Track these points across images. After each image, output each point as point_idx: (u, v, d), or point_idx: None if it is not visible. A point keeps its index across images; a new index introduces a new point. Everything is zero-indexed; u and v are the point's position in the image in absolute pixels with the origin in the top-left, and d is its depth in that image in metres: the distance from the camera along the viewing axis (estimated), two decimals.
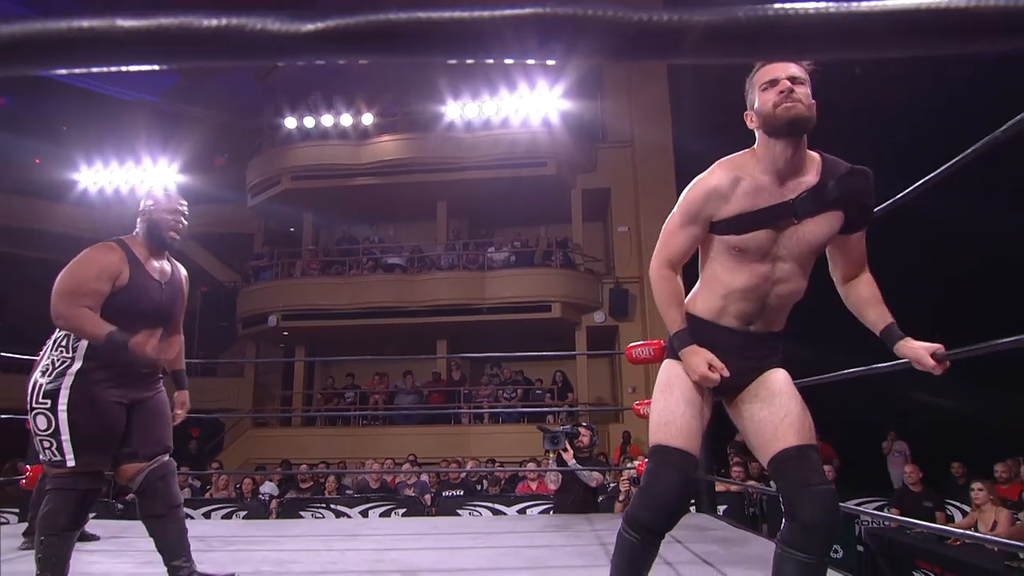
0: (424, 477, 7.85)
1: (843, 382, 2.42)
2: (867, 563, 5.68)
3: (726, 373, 1.68)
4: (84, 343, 2.31)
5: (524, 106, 12.40)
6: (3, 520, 3.92)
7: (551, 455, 4.74)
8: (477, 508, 6.33)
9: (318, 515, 6.54)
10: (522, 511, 6.17)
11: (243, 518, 6.44)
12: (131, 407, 2.37)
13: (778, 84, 1.59)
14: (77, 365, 2.29)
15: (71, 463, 2.24)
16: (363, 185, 13.00)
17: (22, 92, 14.30)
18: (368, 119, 13.07)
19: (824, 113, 1.65)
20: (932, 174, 1.89)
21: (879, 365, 2.05)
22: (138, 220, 2.51)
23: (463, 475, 7.49)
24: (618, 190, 12.64)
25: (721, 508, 4.55)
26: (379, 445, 10.76)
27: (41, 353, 3.77)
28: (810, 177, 1.63)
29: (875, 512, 5.34)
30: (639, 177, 12.28)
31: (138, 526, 3.93)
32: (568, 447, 4.62)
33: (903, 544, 5.52)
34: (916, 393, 9.43)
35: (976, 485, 5.35)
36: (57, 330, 2.38)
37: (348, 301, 12.31)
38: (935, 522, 5.93)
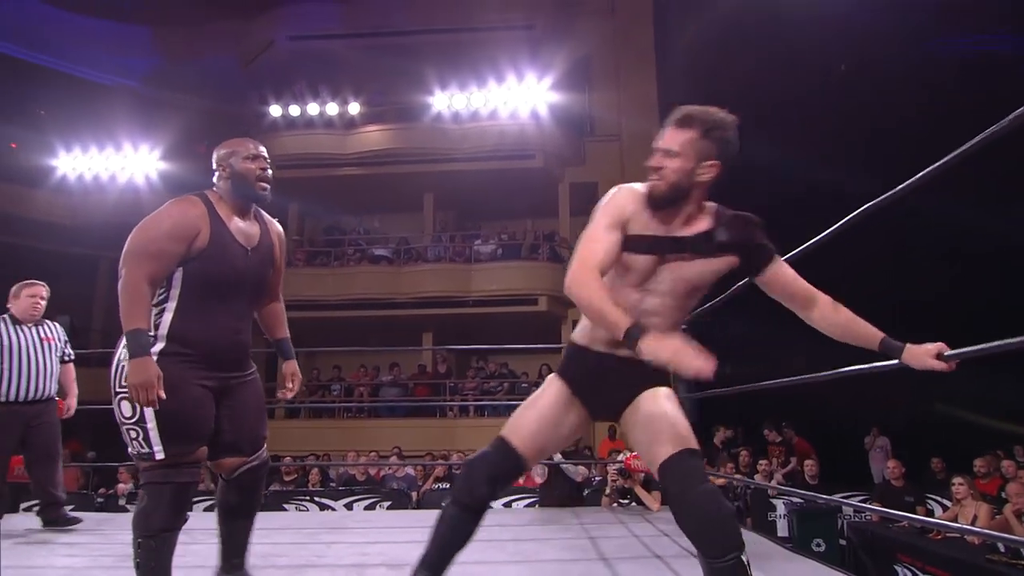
0: (410, 470, 7.86)
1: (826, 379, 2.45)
2: (850, 556, 5.76)
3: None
4: (166, 320, 2.05)
5: (512, 98, 12.41)
6: None
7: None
8: None
9: (302, 508, 6.54)
10: (508, 504, 6.20)
11: None
12: (221, 392, 2.14)
13: (654, 155, 1.77)
14: (160, 345, 2.03)
15: (159, 454, 2.00)
16: (350, 175, 12.96)
17: None
18: (355, 108, 13.03)
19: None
20: (928, 168, 1.91)
21: (865, 366, 2.07)
22: (217, 175, 2.22)
23: (449, 468, 7.51)
24: (606, 184, 12.35)
25: None
26: (364, 437, 10.73)
27: (50, 337, 3.76)
28: (703, 224, 1.79)
29: (858, 504, 5.41)
30: (627, 171, 12.29)
31: (118, 519, 3.90)
32: None
33: (885, 538, 5.61)
34: (897, 389, 9.59)
35: (956, 480, 5.44)
36: None
37: (334, 292, 12.29)
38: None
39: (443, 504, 1.85)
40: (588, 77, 13.22)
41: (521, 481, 6.77)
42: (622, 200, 1.80)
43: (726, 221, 1.79)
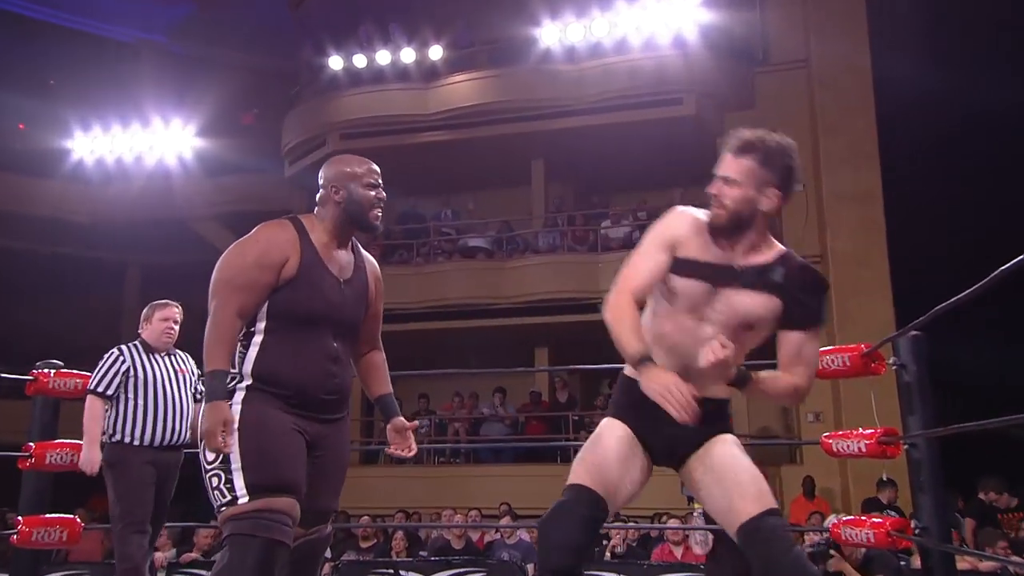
0: (524, 534, 7.99)
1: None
2: None
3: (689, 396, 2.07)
4: (251, 355, 2.46)
5: (648, 21, 12.27)
6: None
7: (696, 506, 4.73)
8: None
9: None
10: None
11: None
12: (312, 443, 2.49)
13: (712, 183, 2.27)
14: (246, 382, 2.43)
15: (243, 499, 2.29)
16: (432, 142, 13.22)
17: None
18: (436, 53, 13.28)
19: None
20: None
21: None
22: (325, 197, 2.61)
23: None
24: (788, 131, 12.03)
25: None
26: (462, 490, 10.99)
27: (184, 368, 4.15)
28: (763, 258, 2.28)
29: None
30: (819, 111, 11.94)
31: None
32: None
33: None
34: None
35: None
36: None
37: (416, 298, 12.57)
38: None
39: None
40: None
41: (678, 555, 6.73)
42: (674, 222, 2.31)
43: (788, 264, 2.27)
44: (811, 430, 10.52)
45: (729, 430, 2.37)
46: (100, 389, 4.05)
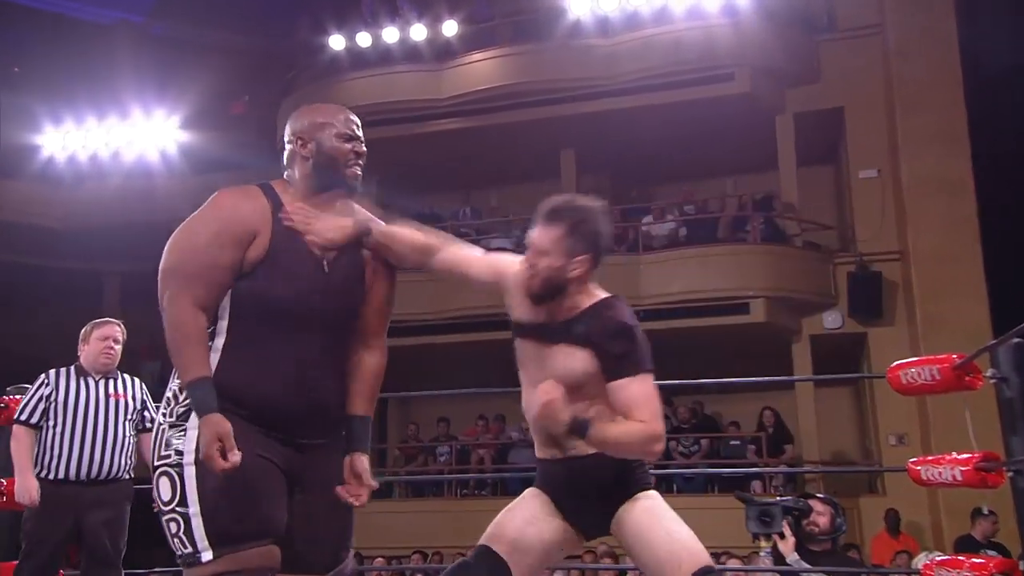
0: None
1: None
2: None
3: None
4: (216, 354, 2.23)
5: None
6: None
7: (762, 544, 4.67)
8: None
9: None
10: None
11: None
12: (291, 472, 2.26)
13: (528, 251, 2.58)
14: None
15: (205, 554, 2.10)
16: (447, 131, 13.24)
17: None
18: (451, 29, 13.27)
19: None
20: None
21: None
22: (291, 152, 2.44)
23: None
24: (859, 110, 12.27)
25: None
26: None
27: (122, 394, 4.16)
28: (576, 311, 2.59)
29: None
30: (897, 86, 11.82)
31: None
32: (790, 531, 4.55)
33: None
34: None
35: None
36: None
37: (432, 308, 12.55)
38: None
39: None
40: None
41: None
42: (508, 284, 2.67)
43: (594, 312, 2.57)
44: (894, 455, 10.49)
45: (642, 483, 2.66)
46: (23, 417, 4.10)
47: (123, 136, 14.90)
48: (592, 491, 2.63)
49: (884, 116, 12.03)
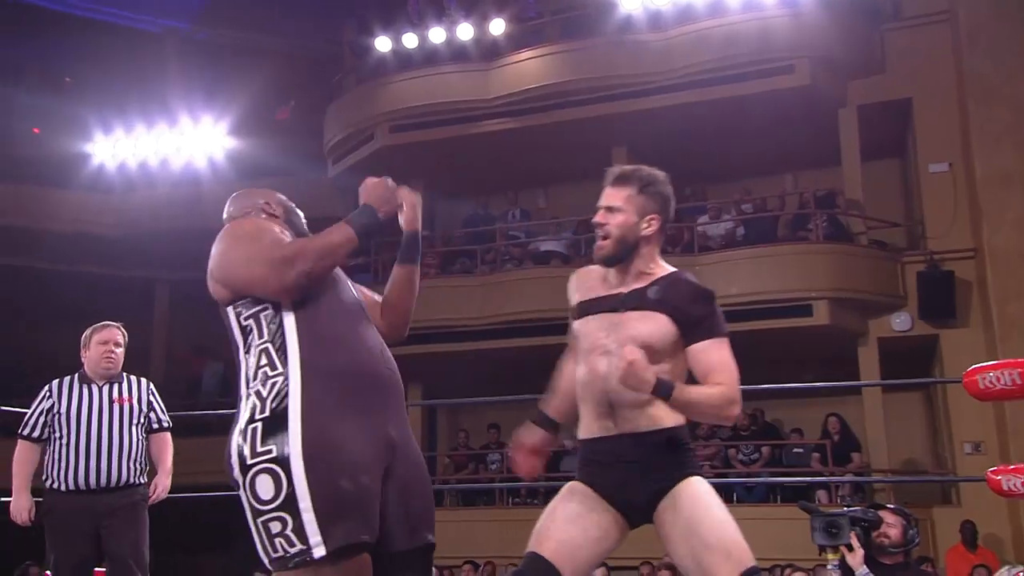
0: None
1: None
2: None
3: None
4: (295, 340, 2.28)
5: None
6: None
7: (829, 556, 4.48)
8: None
9: None
10: None
11: None
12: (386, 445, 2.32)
13: (596, 215, 2.75)
14: (296, 379, 2.22)
15: (319, 549, 2.09)
16: (496, 131, 13.22)
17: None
18: (498, 27, 13.26)
19: None
20: None
21: None
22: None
23: None
24: (928, 101, 12.07)
25: None
26: None
27: (127, 398, 4.15)
28: (648, 280, 2.72)
29: None
30: (969, 75, 11.57)
31: None
32: (858, 543, 4.34)
33: None
34: None
35: None
36: (240, 369, 2.34)
37: (482, 312, 12.60)
38: None
39: None
40: None
41: None
42: (571, 282, 2.91)
43: (669, 280, 2.70)
44: (970, 464, 10.30)
45: (693, 467, 2.72)
46: (25, 432, 4.17)
47: (171, 143, 15.14)
48: (642, 470, 2.64)
49: (955, 107, 11.83)
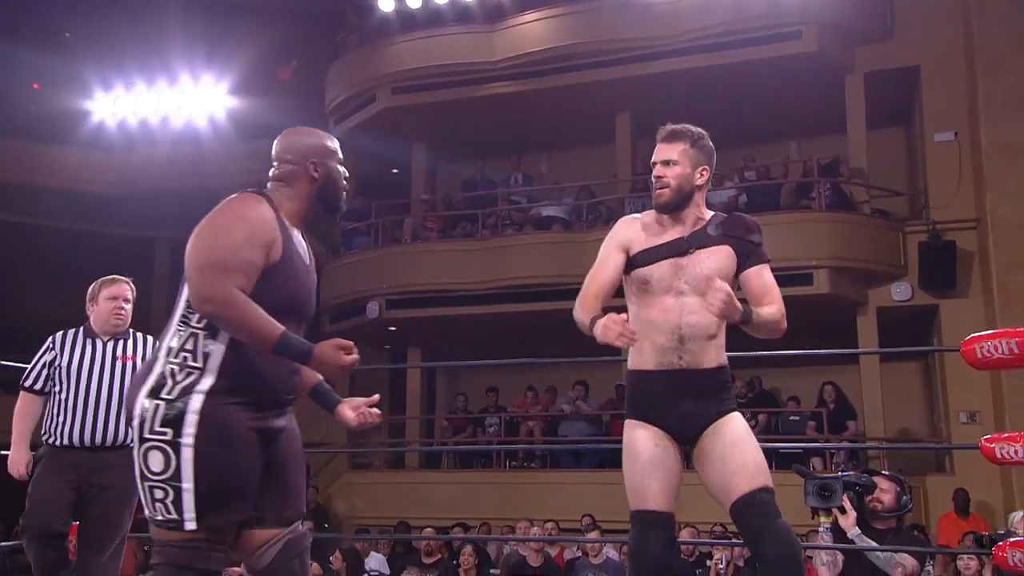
0: (612, 552, 7.91)
1: None
2: None
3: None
4: (218, 350, 2.46)
5: None
6: None
7: (821, 519, 4.55)
8: None
9: None
10: None
11: None
12: (265, 439, 2.55)
13: (655, 169, 3.13)
14: (208, 382, 2.44)
15: (190, 524, 2.37)
16: (499, 94, 13.22)
17: None
18: None
19: None
20: None
21: None
22: (298, 172, 2.67)
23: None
24: (935, 69, 12.03)
25: None
26: (538, 499, 11.02)
27: (131, 355, 4.14)
28: (702, 223, 3.12)
29: None
30: (978, 43, 11.49)
31: None
32: (851, 506, 4.44)
33: None
34: None
35: None
36: (171, 328, 2.53)
37: (482, 277, 12.61)
38: None
39: None
40: None
41: None
42: (622, 227, 3.20)
43: (719, 218, 3.14)
44: (965, 432, 10.33)
45: (736, 403, 3.17)
46: (27, 383, 4.11)
47: (172, 101, 15.09)
48: (704, 403, 3.05)
49: (963, 75, 11.74)
